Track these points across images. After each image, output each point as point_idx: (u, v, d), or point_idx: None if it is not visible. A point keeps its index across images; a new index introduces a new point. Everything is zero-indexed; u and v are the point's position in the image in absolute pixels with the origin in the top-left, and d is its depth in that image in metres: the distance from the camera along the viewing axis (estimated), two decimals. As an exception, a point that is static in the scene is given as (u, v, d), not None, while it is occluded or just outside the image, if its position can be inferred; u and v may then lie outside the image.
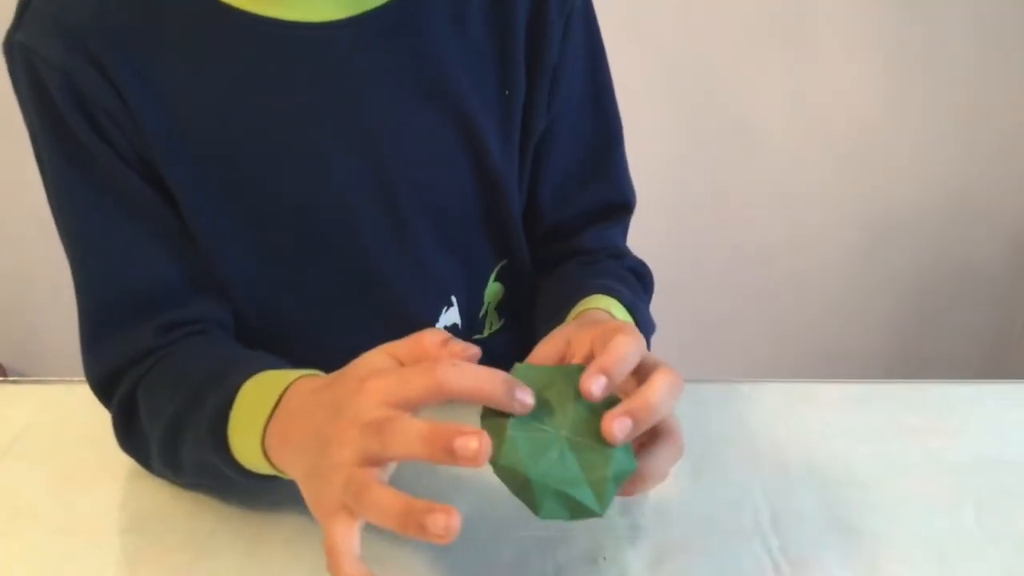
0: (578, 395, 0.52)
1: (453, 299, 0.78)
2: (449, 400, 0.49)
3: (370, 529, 0.64)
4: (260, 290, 0.72)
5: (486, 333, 0.82)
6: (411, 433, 0.47)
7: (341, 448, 0.49)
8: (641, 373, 0.55)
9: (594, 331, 0.56)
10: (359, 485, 0.48)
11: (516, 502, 0.66)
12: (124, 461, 0.70)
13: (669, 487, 0.69)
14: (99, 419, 0.70)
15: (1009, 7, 1.62)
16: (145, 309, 0.68)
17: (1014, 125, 1.72)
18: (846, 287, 1.86)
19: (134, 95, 0.65)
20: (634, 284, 0.79)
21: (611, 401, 0.53)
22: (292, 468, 0.55)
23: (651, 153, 1.69)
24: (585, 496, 0.50)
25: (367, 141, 0.70)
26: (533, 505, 0.51)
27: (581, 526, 0.65)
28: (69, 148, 0.66)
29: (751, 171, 1.74)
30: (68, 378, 0.80)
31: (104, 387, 0.69)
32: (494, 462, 0.51)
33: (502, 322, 0.83)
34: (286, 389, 0.57)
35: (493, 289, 0.81)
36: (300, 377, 0.58)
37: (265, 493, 0.68)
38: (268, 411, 0.56)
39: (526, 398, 0.50)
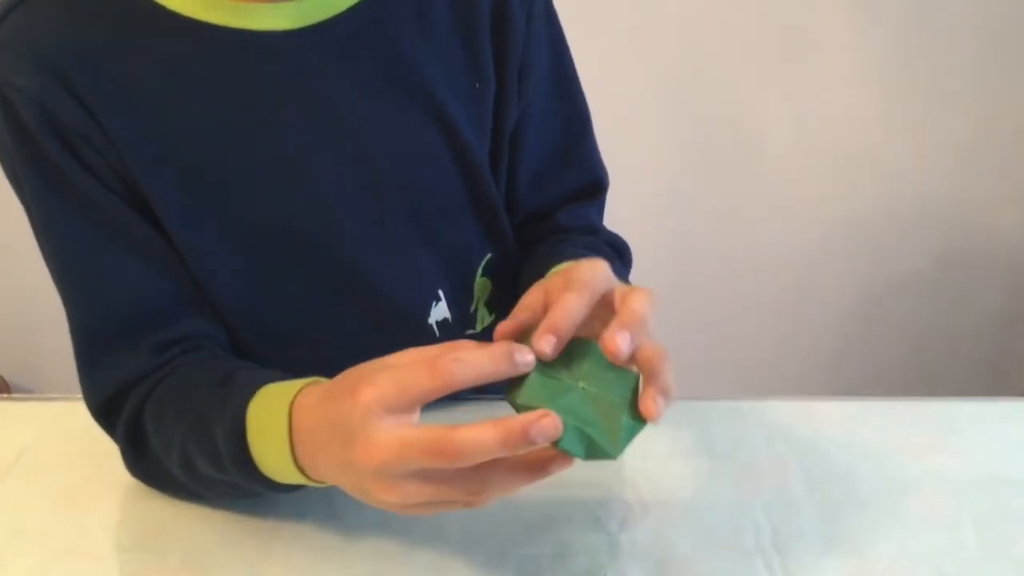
0: (587, 355, 0.56)
1: (440, 293, 0.78)
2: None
3: (368, 546, 0.65)
4: (248, 299, 0.73)
5: (479, 328, 0.83)
6: (505, 486, 0.52)
7: (381, 494, 0.52)
8: (616, 299, 0.57)
9: (565, 277, 0.58)
10: (431, 503, 0.52)
11: (517, 520, 0.67)
12: (126, 479, 0.71)
13: (670, 504, 0.69)
14: (102, 437, 0.70)
15: (1010, 23, 1.62)
16: (137, 330, 0.69)
17: (1015, 139, 1.72)
18: (847, 303, 1.86)
19: (109, 116, 0.65)
20: (611, 255, 0.80)
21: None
22: (333, 483, 0.58)
23: (653, 166, 1.70)
24: (601, 437, 0.53)
25: (345, 145, 0.71)
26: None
27: (581, 544, 0.65)
28: (48, 175, 0.66)
29: (753, 185, 1.74)
30: (72, 395, 0.81)
31: (105, 413, 0.70)
32: (515, 402, 0.53)
33: (493, 317, 0.84)
34: (291, 412, 0.57)
35: (481, 284, 0.81)
36: (298, 393, 0.58)
37: (266, 509, 0.68)
38: (287, 441, 0.57)
39: (526, 356, 0.52)
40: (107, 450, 0.70)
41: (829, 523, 0.67)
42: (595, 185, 0.86)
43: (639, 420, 0.54)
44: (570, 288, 0.56)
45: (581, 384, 0.55)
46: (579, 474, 0.71)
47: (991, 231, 1.80)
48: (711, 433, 0.78)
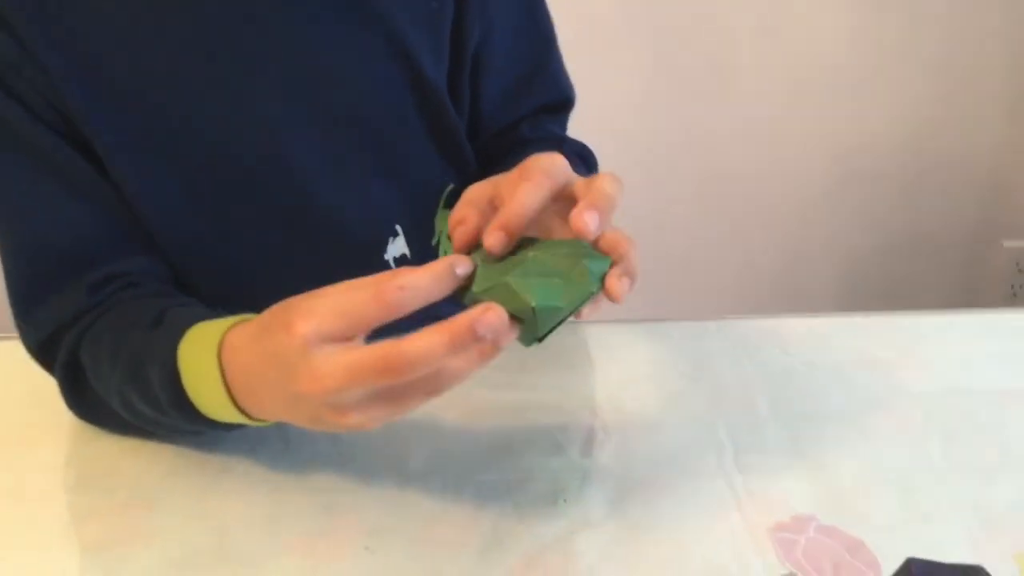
0: (535, 241, 0.54)
1: (398, 228, 0.76)
2: None
3: (324, 477, 0.63)
4: (194, 236, 0.70)
5: None
6: (461, 373, 0.49)
7: (340, 419, 0.49)
8: (578, 190, 0.55)
9: (520, 168, 0.55)
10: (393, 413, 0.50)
11: (475, 447, 0.66)
12: (69, 419, 0.68)
13: (632, 427, 0.68)
14: (43, 376, 0.68)
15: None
16: (74, 268, 0.66)
17: (984, 60, 1.70)
18: (816, 221, 1.85)
19: (41, 46, 0.61)
20: (577, 163, 0.77)
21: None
22: (282, 419, 0.56)
23: (622, 86, 1.66)
24: (568, 281, 0.51)
25: (291, 70, 0.67)
26: (520, 301, 0.50)
27: (542, 469, 0.64)
28: None
29: (721, 107, 1.72)
30: (11, 335, 0.78)
31: (43, 353, 0.67)
32: (464, 302, 0.51)
33: None
34: (220, 353, 0.55)
35: (444, 216, 0.79)
36: (226, 333, 0.56)
37: (217, 443, 0.66)
38: (220, 384, 0.55)
39: (463, 266, 0.51)
40: (51, 388, 0.67)
41: (793, 441, 0.66)
42: (562, 103, 0.83)
43: (602, 263, 0.52)
44: (526, 177, 0.53)
45: (531, 253, 0.52)
46: (540, 397, 0.70)
47: (961, 150, 1.79)
48: (676, 354, 0.76)
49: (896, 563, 0.52)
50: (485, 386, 0.72)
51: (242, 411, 0.56)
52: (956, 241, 1.89)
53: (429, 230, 0.78)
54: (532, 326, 0.50)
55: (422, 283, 0.49)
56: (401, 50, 0.70)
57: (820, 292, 1.91)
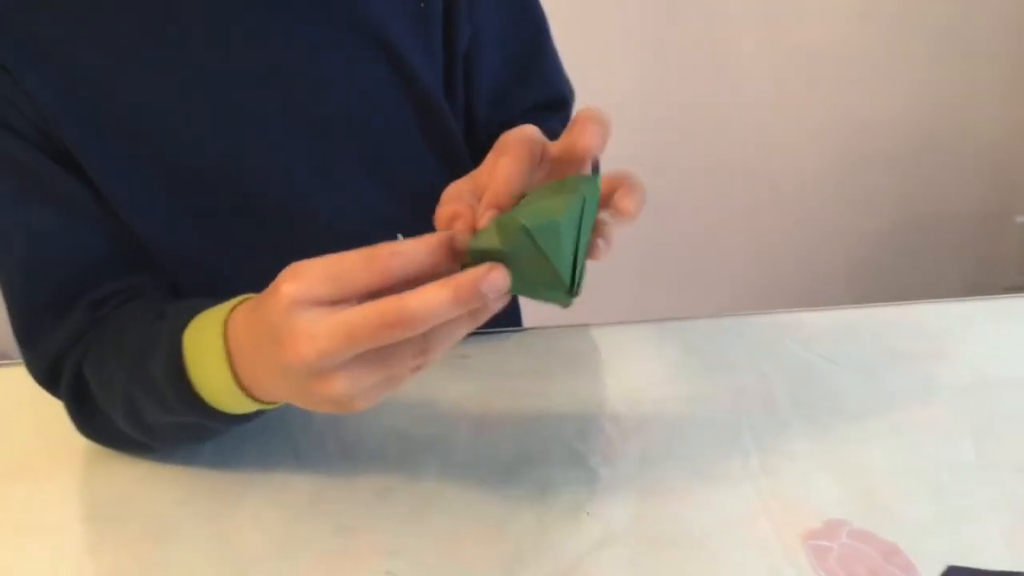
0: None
1: (399, 236, 0.74)
2: None
3: (340, 497, 0.62)
4: (188, 249, 0.68)
5: None
6: (450, 337, 0.47)
7: (326, 389, 0.47)
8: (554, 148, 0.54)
9: (493, 150, 0.54)
10: (381, 382, 0.48)
11: (492, 461, 0.64)
12: (80, 446, 0.67)
13: (652, 433, 0.66)
14: (50, 402, 0.66)
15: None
16: (72, 292, 0.64)
17: (991, 37, 1.68)
18: (824, 208, 1.83)
19: (20, 66, 0.60)
20: None
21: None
22: (280, 398, 0.54)
23: (622, 81, 1.65)
24: (556, 198, 0.48)
25: (282, 80, 0.66)
26: (511, 229, 0.47)
27: (562, 480, 0.62)
28: None
29: (725, 97, 1.70)
30: (19, 361, 0.76)
31: (49, 380, 0.66)
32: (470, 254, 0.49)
33: None
34: (226, 331, 0.54)
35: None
36: (231, 311, 0.55)
37: (231, 465, 0.65)
38: (225, 362, 0.53)
39: (463, 238, 0.49)
40: (58, 415, 0.66)
41: (819, 442, 0.64)
42: (558, 101, 0.82)
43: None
44: (504, 152, 0.51)
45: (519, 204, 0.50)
46: (556, 405, 0.69)
47: (972, 130, 1.77)
48: (693, 354, 0.75)
49: (933, 567, 0.50)
50: (498, 396, 0.71)
51: (247, 394, 0.54)
52: (968, 218, 1.87)
53: None
54: (541, 262, 0.47)
55: (416, 252, 0.47)
56: (390, 52, 0.68)
57: (833, 277, 1.89)
